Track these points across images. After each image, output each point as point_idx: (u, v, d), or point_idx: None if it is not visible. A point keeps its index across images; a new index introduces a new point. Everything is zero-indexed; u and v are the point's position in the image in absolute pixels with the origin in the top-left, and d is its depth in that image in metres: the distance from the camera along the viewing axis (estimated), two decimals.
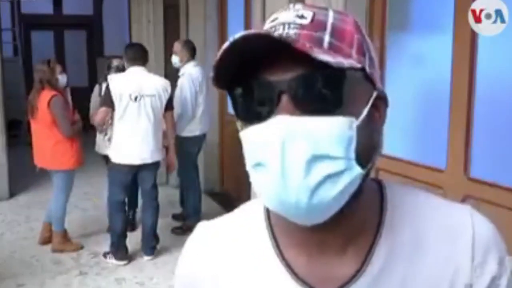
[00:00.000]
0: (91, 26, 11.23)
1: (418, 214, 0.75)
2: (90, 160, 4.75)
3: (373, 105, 0.70)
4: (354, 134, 0.65)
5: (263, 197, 0.69)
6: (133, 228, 4.95)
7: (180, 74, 4.87)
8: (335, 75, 0.64)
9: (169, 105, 4.43)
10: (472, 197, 2.80)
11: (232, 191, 5.72)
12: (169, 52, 5.39)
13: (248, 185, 0.84)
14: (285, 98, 0.64)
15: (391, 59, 3.41)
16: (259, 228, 0.78)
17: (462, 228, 0.73)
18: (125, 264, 4.42)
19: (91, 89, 5.34)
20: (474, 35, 2.75)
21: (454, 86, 2.94)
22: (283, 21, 0.67)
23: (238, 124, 0.71)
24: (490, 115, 2.89)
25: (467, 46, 2.82)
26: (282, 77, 0.65)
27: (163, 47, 6.65)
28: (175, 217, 5.34)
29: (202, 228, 0.84)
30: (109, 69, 4.89)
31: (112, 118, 4.30)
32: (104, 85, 4.48)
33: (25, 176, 6.48)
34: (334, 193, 0.64)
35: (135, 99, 4.20)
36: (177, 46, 4.96)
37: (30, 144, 4.70)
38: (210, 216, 0.88)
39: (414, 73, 3.39)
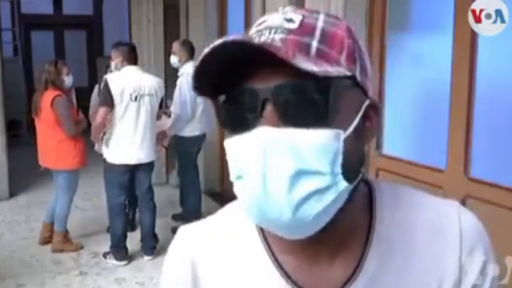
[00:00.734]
0: (91, 26, 11.24)
1: (407, 215, 0.74)
2: (90, 160, 4.74)
3: (364, 115, 0.67)
4: (340, 148, 0.62)
5: (244, 210, 0.66)
6: (133, 228, 4.94)
7: (179, 74, 4.87)
8: (321, 84, 0.61)
9: (161, 104, 4.50)
10: (472, 197, 2.80)
11: (232, 191, 5.68)
12: (168, 52, 5.39)
13: None
14: (269, 107, 0.62)
15: (391, 59, 3.41)
16: (249, 230, 0.75)
17: (450, 225, 0.73)
18: (125, 264, 4.42)
19: (91, 89, 5.35)
20: (474, 35, 2.75)
21: (454, 86, 2.94)
22: (270, 25, 0.65)
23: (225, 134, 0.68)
24: (490, 115, 2.89)
25: (467, 46, 2.82)
26: (267, 84, 0.62)
27: (163, 47, 6.65)
28: (175, 217, 5.33)
29: (186, 231, 0.82)
30: (107, 68, 4.88)
31: (110, 118, 4.28)
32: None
33: (25, 176, 6.49)
34: (318, 209, 0.61)
35: (135, 98, 4.20)
36: (175, 46, 4.96)
37: (31, 143, 4.71)
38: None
39: (414, 73, 3.39)
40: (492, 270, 0.74)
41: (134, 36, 6.79)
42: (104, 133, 4.30)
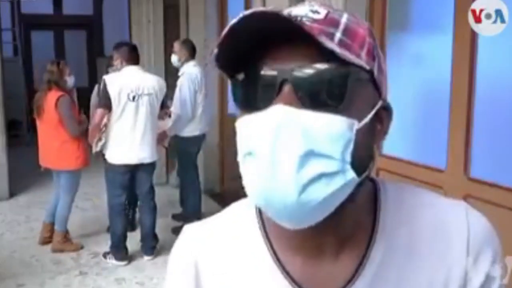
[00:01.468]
0: (91, 26, 11.23)
1: (412, 214, 0.74)
2: (90, 160, 4.74)
3: (376, 116, 0.68)
4: (353, 137, 0.62)
5: (249, 190, 0.66)
6: (133, 228, 4.93)
7: (179, 73, 4.86)
8: (340, 69, 0.62)
9: (163, 104, 4.46)
10: (472, 197, 2.80)
11: (232, 191, 5.72)
12: (169, 52, 5.39)
13: None
14: (287, 88, 0.62)
15: (391, 59, 3.40)
16: (252, 230, 0.75)
17: (457, 226, 0.72)
18: (125, 264, 4.42)
19: (91, 89, 5.34)
20: (474, 35, 2.75)
21: (454, 86, 2.94)
22: (296, 14, 0.65)
23: (237, 115, 0.68)
24: (490, 115, 2.89)
25: (467, 46, 2.82)
26: (286, 65, 0.63)
27: (163, 47, 6.65)
28: (175, 217, 5.33)
29: (189, 231, 0.82)
30: (107, 68, 4.87)
31: (108, 120, 4.27)
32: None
33: (25, 176, 6.49)
34: (324, 194, 0.61)
35: (133, 98, 4.19)
36: (176, 45, 4.96)
37: (32, 143, 4.70)
38: (210, 216, 0.86)
39: (414, 73, 3.39)
40: (500, 274, 0.73)
41: (134, 36, 6.79)
42: (100, 139, 4.29)
